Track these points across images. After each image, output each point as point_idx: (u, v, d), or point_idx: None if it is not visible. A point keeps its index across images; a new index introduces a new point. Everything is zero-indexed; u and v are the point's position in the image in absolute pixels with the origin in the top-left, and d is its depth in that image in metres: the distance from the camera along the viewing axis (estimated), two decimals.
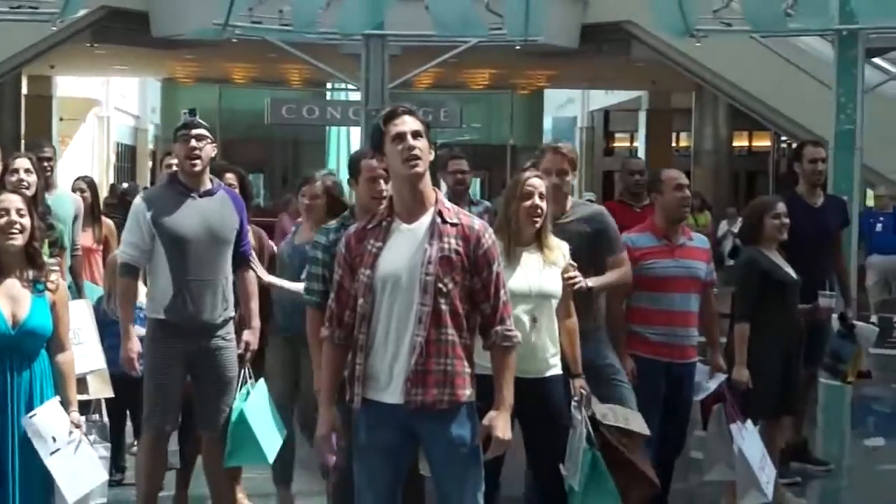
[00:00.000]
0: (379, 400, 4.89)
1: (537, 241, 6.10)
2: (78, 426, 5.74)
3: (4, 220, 5.56)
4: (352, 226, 5.18)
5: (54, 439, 5.60)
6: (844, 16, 15.35)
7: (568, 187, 6.66)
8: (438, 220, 4.92)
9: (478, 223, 5.02)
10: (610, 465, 5.91)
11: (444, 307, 4.86)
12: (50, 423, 5.62)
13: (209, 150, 6.63)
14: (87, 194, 9.48)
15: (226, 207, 6.73)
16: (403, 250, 4.90)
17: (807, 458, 8.79)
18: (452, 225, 4.93)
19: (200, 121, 6.71)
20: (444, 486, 4.99)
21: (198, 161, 6.60)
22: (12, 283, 5.58)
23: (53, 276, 5.74)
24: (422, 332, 4.84)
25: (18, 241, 5.58)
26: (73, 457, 5.67)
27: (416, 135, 4.91)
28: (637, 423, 6.18)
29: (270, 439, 6.61)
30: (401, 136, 4.89)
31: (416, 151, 4.87)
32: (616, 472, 5.92)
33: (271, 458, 6.68)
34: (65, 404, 5.73)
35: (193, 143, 6.58)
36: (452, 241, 4.91)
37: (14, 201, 5.63)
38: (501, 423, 4.96)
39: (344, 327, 5.01)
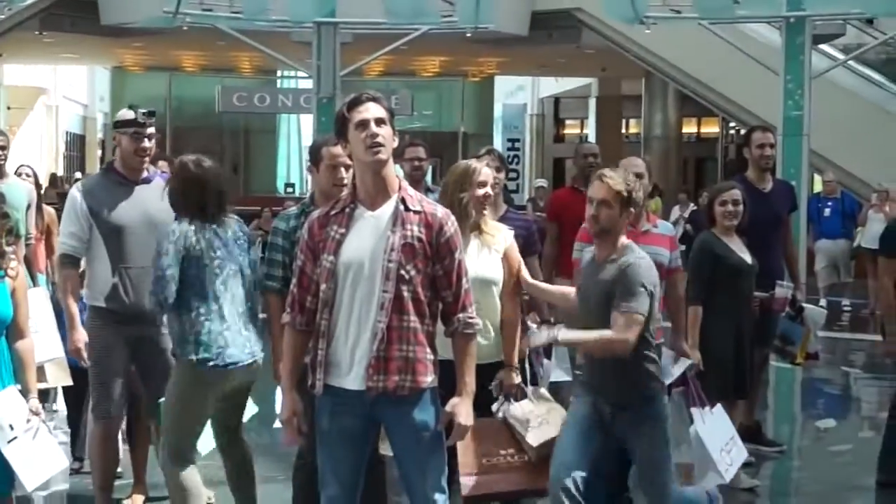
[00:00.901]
0: (341, 386, 4.91)
1: (477, 227, 6.17)
2: (37, 413, 5.72)
3: None
4: (314, 212, 5.16)
5: (11, 427, 5.58)
6: (792, 3, 15.55)
7: (609, 223, 5.75)
8: (401, 207, 4.93)
9: (441, 211, 5.03)
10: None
11: (406, 294, 4.88)
12: (6, 410, 5.60)
13: (154, 145, 6.78)
14: (31, 180, 9.46)
15: (163, 194, 6.75)
16: (366, 237, 4.91)
17: (760, 440, 8.89)
18: (415, 212, 4.94)
19: (151, 121, 6.75)
20: (408, 471, 5.02)
21: (147, 158, 6.74)
22: None
23: (13, 264, 5.74)
24: (384, 318, 4.85)
25: None
26: (32, 444, 5.65)
27: (379, 122, 4.90)
28: (536, 435, 6.06)
29: None
30: (364, 124, 4.88)
31: (380, 139, 4.87)
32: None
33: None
34: (24, 392, 5.72)
35: (146, 143, 6.68)
36: (415, 228, 4.92)
37: None
38: (464, 410, 5.00)
39: (305, 313, 5.02)
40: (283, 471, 7.18)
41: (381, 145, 4.88)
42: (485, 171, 6.20)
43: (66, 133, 42.11)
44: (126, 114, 6.74)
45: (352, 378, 4.89)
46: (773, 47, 17.23)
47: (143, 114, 6.68)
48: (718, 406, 7.26)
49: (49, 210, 9.44)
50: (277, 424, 5.27)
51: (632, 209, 5.82)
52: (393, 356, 4.87)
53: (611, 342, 5.63)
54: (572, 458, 5.77)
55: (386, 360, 4.86)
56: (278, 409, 5.29)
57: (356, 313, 4.88)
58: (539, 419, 6.07)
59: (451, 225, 5.01)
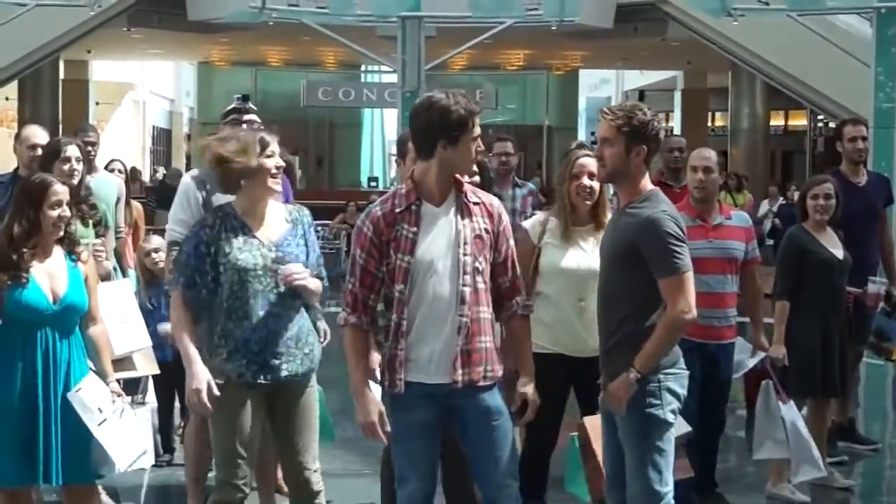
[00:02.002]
0: (419, 381, 4.94)
1: (594, 220, 6.14)
2: (119, 395, 5.86)
3: (57, 212, 5.68)
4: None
5: (100, 410, 5.69)
6: None
7: (614, 163, 5.10)
8: (464, 199, 5.02)
9: (495, 200, 5.17)
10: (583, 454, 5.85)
11: (480, 285, 4.97)
12: (94, 394, 5.72)
13: None
14: (122, 175, 9.56)
15: None
16: (439, 233, 4.96)
17: (853, 438, 8.76)
18: (475, 203, 5.04)
19: (251, 106, 6.76)
20: (483, 458, 5.05)
21: None
22: (49, 258, 5.72)
23: (82, 251, 5.88)
24: (467, 311, 4.92)
25: (62, 232, 5.75)
26: (120, 424, 5.76)
27: None
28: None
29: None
30: (478, 138, 5.02)
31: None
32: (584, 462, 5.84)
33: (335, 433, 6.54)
34: (101, 375, 5.84)
35: (245, 128, 6.64)
36: (480, 220, 5.01)
37: (65, 193, 5.76)
38: (532, 390, 5.08)
39: (369, 312, 5.02)
40: (369, 465, 7.18)
41: None
42: (579, 161, 6.17)
43: (153, 128, 42.62)
44: (230, 106, 6.79)
45: (431, 372, 4.94)
46: (863, 39, 16.98)
47: (239, 99, 6.72)
48: (791, 402, 7.17)
49: (136, 205, 9.51)
50: None
51: (643, 145, 5.07)
52: (475, 348, 4.95)
53: (672, 326, 5.00)
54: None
55: (469, 353, 4.93)
56: None
57: (435, 309, 4.92)
58: None
59: (505, 213, 5.16)
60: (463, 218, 4.98)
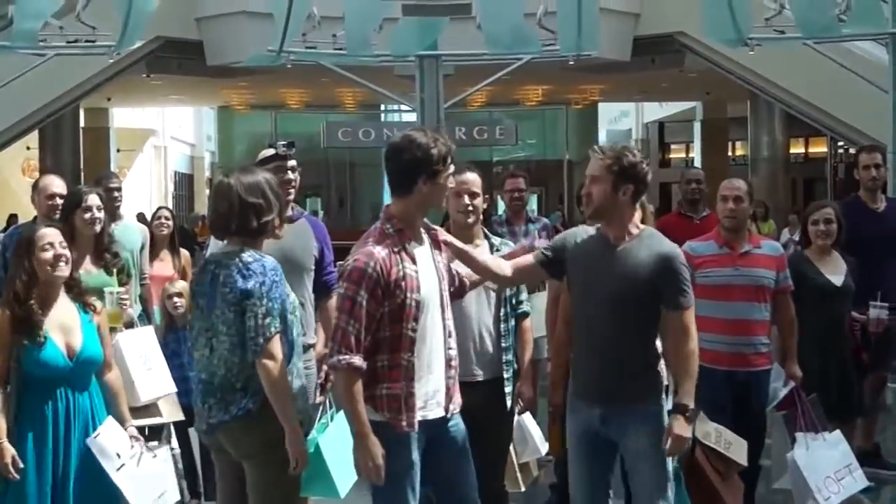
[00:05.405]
0: (423, 418, 5.00)
1: None
2: (137, 439, 5.94)
3: (51, 253, 5.76)
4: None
5: (118, 455, 5.78)
6: None
7: (600, 200, 5.39)
8: (432, 234, 5.19)
9: (440, 229, 5.34)
10: (692, 485, 5.86)
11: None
12: (113, 440, 5.80)
13: (298, 180, 6.77)
14: (170, 223, 9.63)
15: (304, 234, 6.73)
16: (428, 269, 5.05)
17: (879, 463, 8.72)
18: (434, 240, 5.20)
19: (292, 153, 6.78)
20: (462, 478, 5.18)
21: (292, 191, 6.70)
22: (62, 312, 5.79)
23: (92, 299, 5.97)
24: (454, 345, 5.09)
25: (66, 271, 5.82)
26: (137, 470, 5.83)
27: None
28: (738, 452, 6.02)
29: (345, 473, 6.29)
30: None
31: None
32: (696, 493, 5.85)
33: (343, 493, 6.40)
34: (120, 421, 5.92)
35: (289, 175, 6.67)
36: (443, 255, 5.19)
37: (55, 235, 5.84)
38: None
39: (365, 353, 4.90)
40: None
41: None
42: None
43: (175, 173, 42.78)
44: (266, 151, 6.79)
45: (430, 408, 5.02)
46: (880, 65, 16.96)
47: (283, 146, 6.75)
48: (837, 432, 7.13)
49: (185, 253, 9.58)
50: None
51: (630, 185, 5.28)
52: (455, 378, 5.12)
53: (694, 355, 5.28)
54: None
55: (454, 385, 5.11)
56: None
57: (432, 345, 5.00)
58: (726, 438, 6.03)
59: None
60: (434, 253, 5.13)
